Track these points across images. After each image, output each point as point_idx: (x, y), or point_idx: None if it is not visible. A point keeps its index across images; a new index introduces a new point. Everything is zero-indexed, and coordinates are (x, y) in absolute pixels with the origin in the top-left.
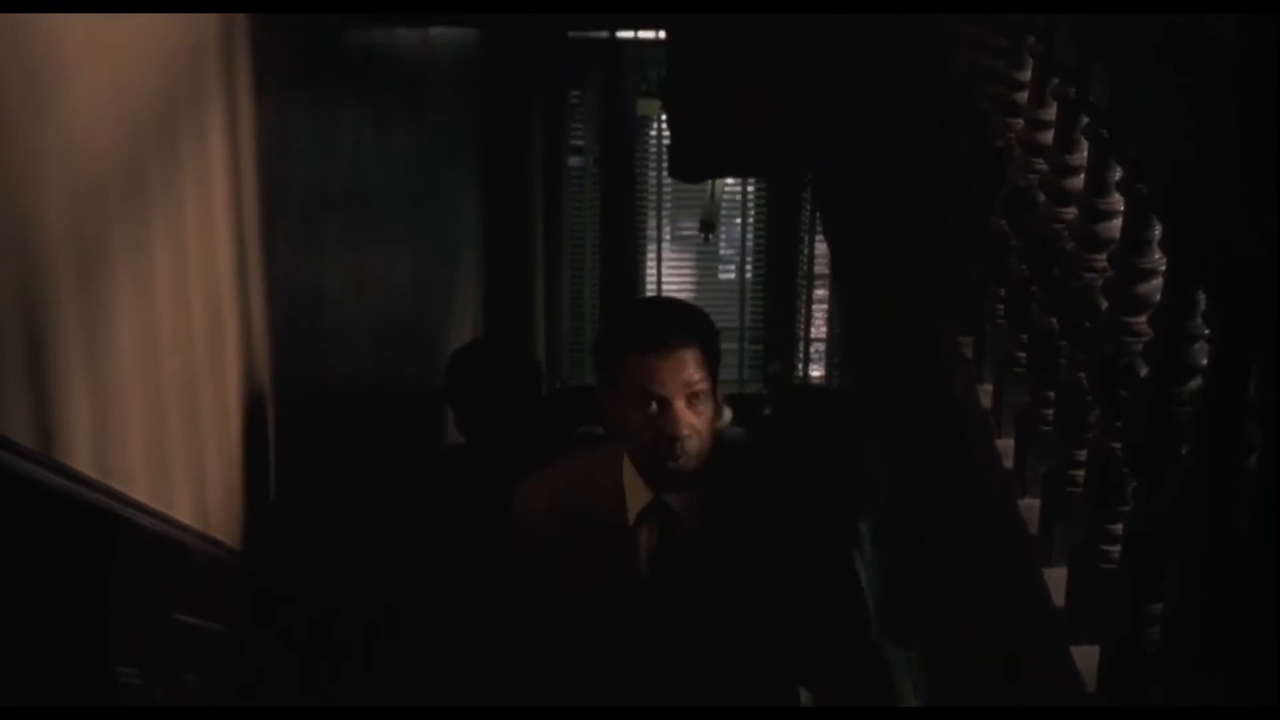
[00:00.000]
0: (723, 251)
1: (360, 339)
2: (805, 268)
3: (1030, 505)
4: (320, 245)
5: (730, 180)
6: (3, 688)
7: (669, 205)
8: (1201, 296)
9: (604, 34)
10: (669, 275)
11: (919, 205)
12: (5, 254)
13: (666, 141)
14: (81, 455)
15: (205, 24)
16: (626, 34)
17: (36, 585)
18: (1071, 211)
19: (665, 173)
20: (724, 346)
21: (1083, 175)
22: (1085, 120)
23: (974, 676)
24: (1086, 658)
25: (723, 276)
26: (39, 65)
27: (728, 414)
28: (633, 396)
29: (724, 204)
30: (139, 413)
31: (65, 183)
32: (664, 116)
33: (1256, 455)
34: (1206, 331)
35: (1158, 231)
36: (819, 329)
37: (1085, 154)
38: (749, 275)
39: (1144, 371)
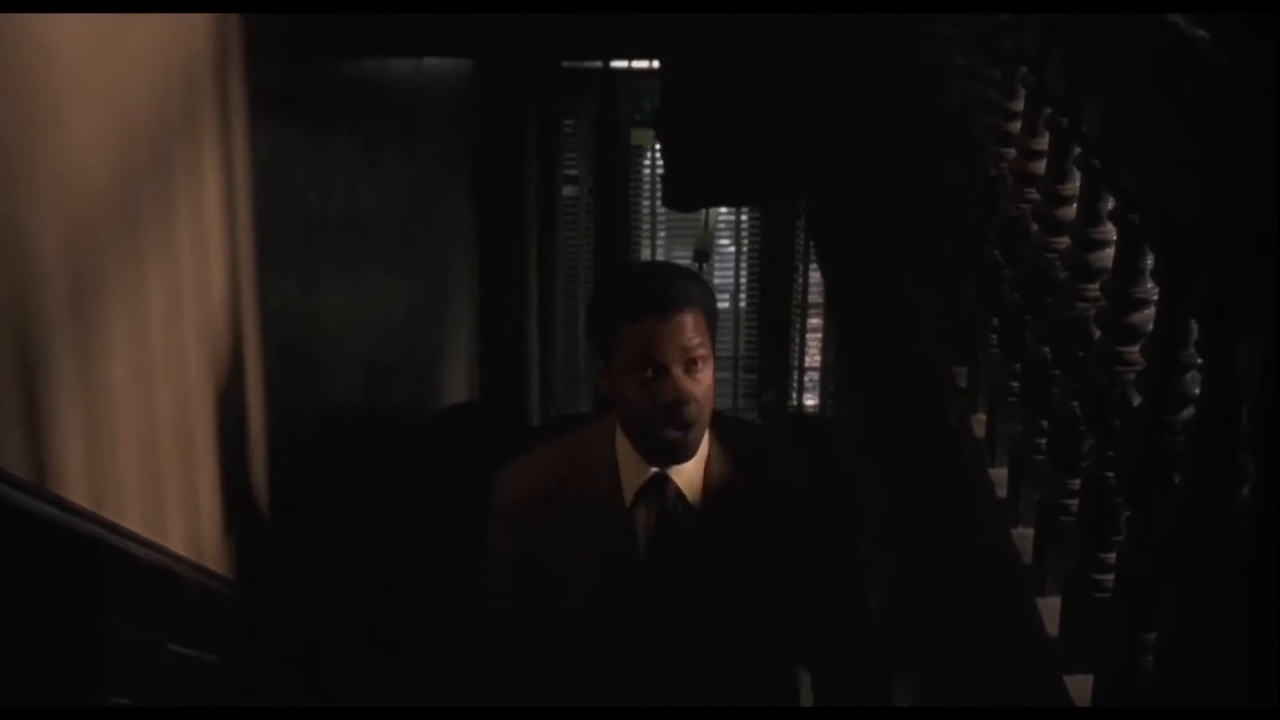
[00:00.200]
0: (717, 280)
1: (354, 369)
2: (799, 297)
3: (1024, 534)
4: (314, 275)
5: (724, 209)
6: None
7: (663, 234)
8: (1194, 326)
9: (598, 64)
10: None
11: (913, 234)
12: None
13: (660, 171)
14: (75, 486)
15: (199, 54)
16: (620, 64)
17: (30, 616)
18: (1064, 241)
19: (659, 202)
20: (718, 375)
21: (1075, 205)
22: (1077, 150)
23: (969, 702)
24: (1080, 687)
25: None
26: (33, 96)
27: None
28: (628, 363)
29: (718, 233)
30: (132, 443)
31: (59, 214)
32: (658, 146)
33: (1249, 485)
34: (1199, 361)
35: (1150, 261)
36: (813, 358)
37: (1078, 184)
38: (743, 304)
39: (1137, 401)
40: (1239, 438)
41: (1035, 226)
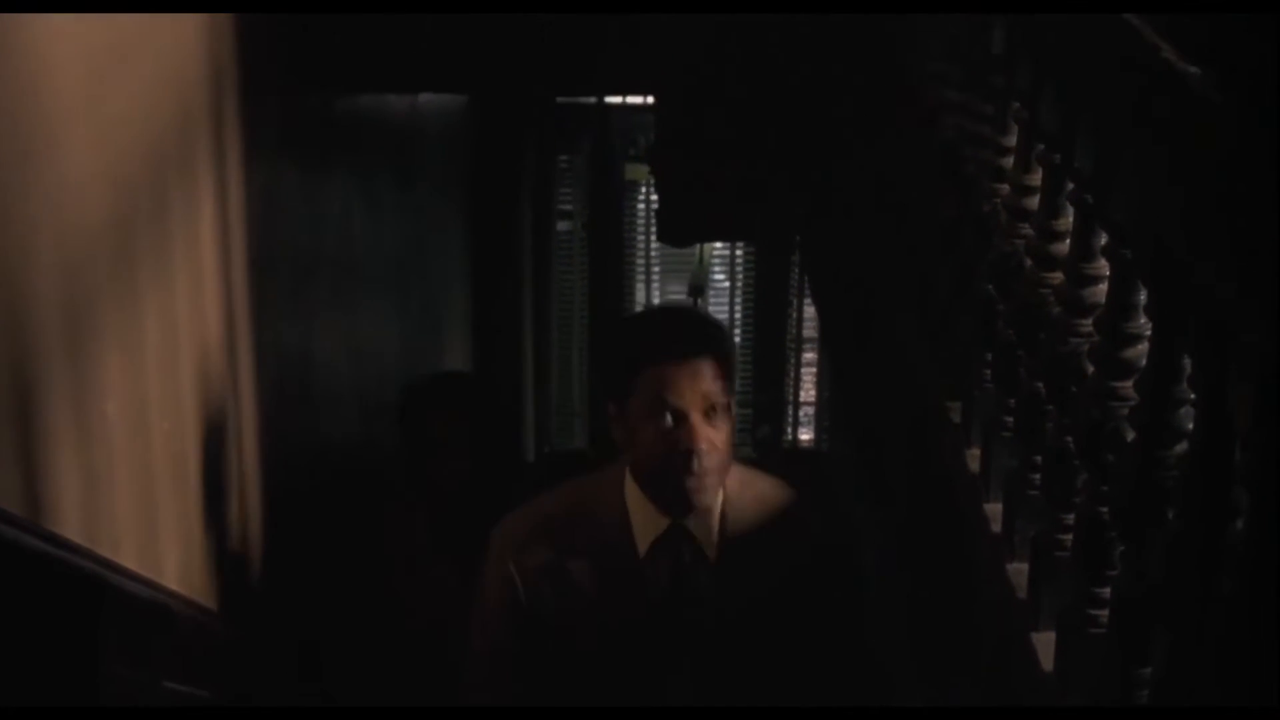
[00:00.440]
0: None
1: (348, 404)
2: (794, 331)
3: (1018, 569)
4: (309, 312)
5: (719, 244)
6: None
7: (658, 270)
8: (1186, 361)
9: (592, 99)
10: None
11: (907, 270)
12: None
13: (655, 206)
14: (69, 522)
15: (195, 90)
16: (615, 99)
17: (24, 652)
18: (1057, 276)
19: (654, 237)
20: None
21: (1068, 240)
22: (1070, 185)
23: None
24: None
25: None
26: (29, 131)
27: None
28: (645, 409)
29: (713, 268)
30: (127, 479)
31: (54, 250)
32: (652, 181)
33: (1243, 519)
34: (1191, 396)
35: (1143, 296)
36: (808, 393)
37: (1070, 219)
38: (738, 339)
39: (1130, 436)
40: (1232, 472)
41: (1029, 262)
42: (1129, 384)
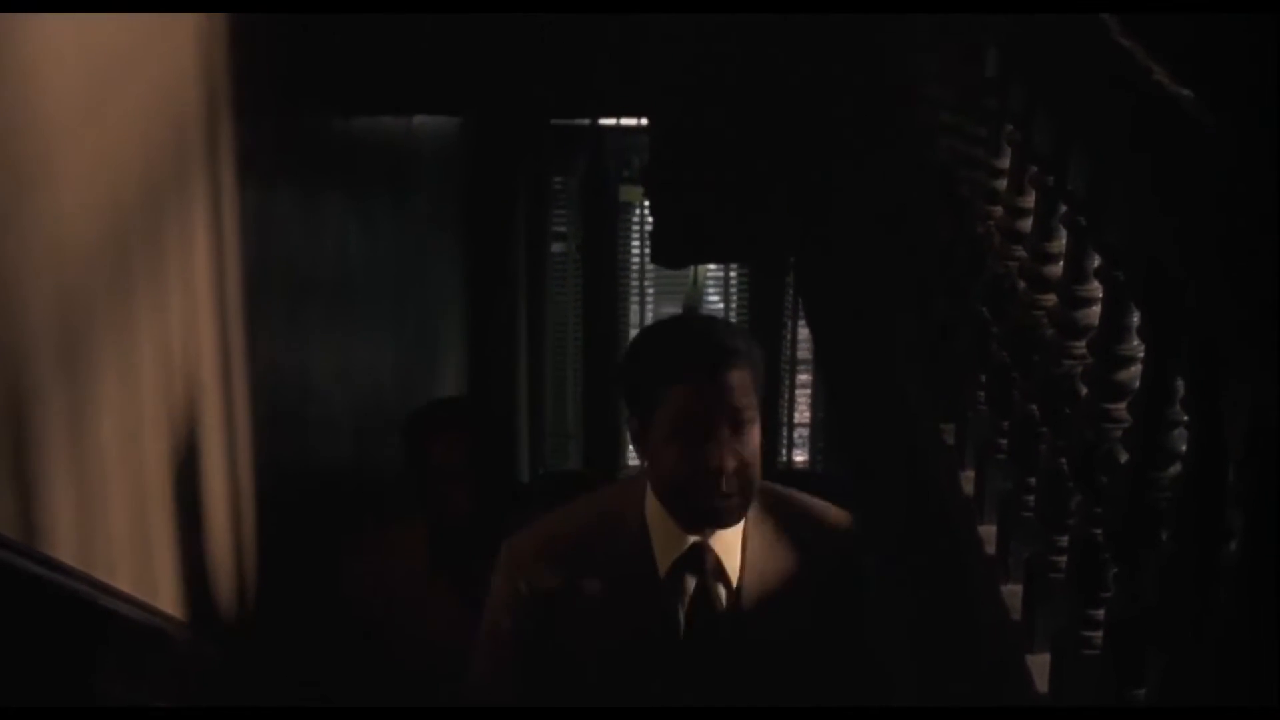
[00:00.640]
0: None
1: (343, 426)
2: (788, 353)
3: (1013, 591)
4: (304, 333)
5: (713, 266)
6: None
7: (652, 291)
8: (1180, 383)
9: (587, 121)
10: None
11: (900, 291)
12: None
13: (649, 227)
14: (64, 545)
15: (190, 114)
16: (609, 121)
17: (19, 675)
18: (1051, 298)
19: (648, 259)
20: None
21: (1062, 262)
22: (1063, 208)
23: None
24: None
25: None
26: (24, 154)
27: None
28: (671, 426)
29: (706, 290)
30: (122, 503)
31: (50, 272)
32: (646, 203)
33: (1236, 541)
34: (1185, 418)
35: (1136, 318)
36: (802, 414)
37: (1064, 241)
38: None
39: (1124, 458)
40: (1225, 494)
41: (1022, 284)
42: (1123, 406)
